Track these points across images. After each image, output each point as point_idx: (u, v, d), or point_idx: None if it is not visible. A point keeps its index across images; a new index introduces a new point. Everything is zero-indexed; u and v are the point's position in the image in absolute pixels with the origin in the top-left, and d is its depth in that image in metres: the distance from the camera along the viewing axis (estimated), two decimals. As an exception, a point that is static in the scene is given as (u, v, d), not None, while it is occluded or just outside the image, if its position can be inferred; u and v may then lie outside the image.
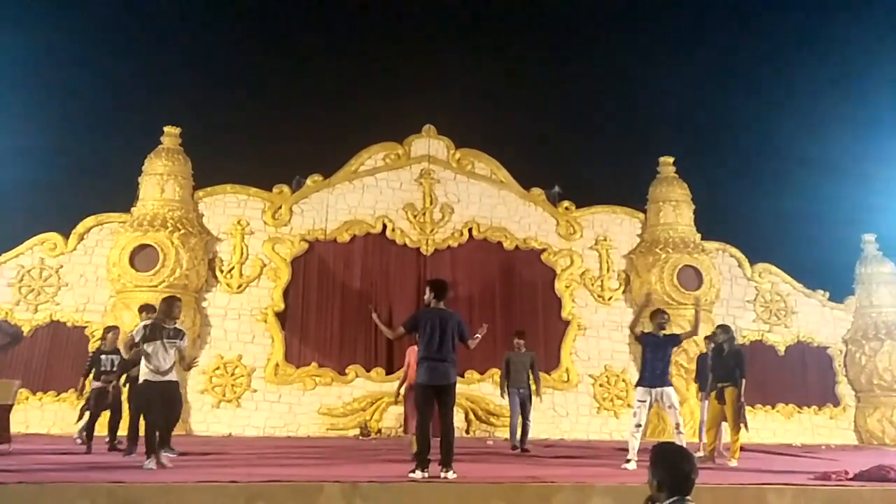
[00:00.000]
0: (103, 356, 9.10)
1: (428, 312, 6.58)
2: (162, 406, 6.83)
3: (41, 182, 17.33)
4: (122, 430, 8.89)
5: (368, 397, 13.94)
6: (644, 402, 7.63)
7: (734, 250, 16.35)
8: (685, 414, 11.80)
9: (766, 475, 6.84)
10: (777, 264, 16.40)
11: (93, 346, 13.56)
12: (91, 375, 9.15)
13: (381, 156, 15.70)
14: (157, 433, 6.73)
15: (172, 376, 6.90)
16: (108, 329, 9.60)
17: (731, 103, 21.82)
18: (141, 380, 6.85)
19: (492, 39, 23.73)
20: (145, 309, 9.01)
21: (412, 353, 8.51)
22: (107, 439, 9.02)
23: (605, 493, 5.38)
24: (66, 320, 13.73)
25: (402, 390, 8.90)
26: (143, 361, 6.79)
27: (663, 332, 7.94)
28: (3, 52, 17.34)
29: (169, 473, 6.17)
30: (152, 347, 6.75)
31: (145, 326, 6.89)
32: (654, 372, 7.70)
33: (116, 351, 8.95)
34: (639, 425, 7.57)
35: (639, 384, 7.86)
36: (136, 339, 6.76)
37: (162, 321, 6.92)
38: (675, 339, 8.05)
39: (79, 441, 9.36)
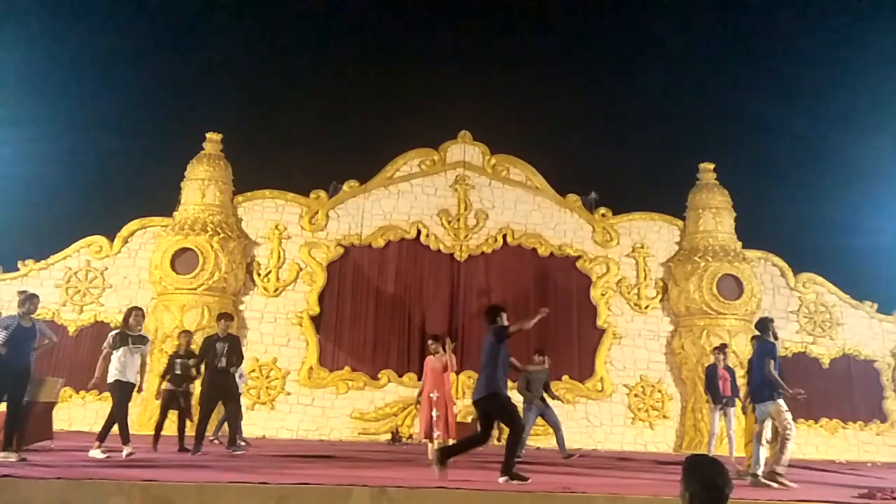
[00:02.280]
0: (177, 360, 9.40)
1: None
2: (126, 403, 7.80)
3: (88, 186, 17.94)
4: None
5: (401, 402, 13.97)
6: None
7: (777, 259, 15.92)
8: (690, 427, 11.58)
9: (807, 492, 6.61)
10: (822, 274, 15.91)
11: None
12: (167, 378, 9.43)
13: (416, 162, 15.78)
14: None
15: (134, 379, 7.81)
16: (181, 333, 9.91)
17: (775, 109, 21.27)
18: (112, 380, 7.72)
19: (528, 47, 23.67)
20: (223, 317, 9.40)
21: (429, 364, 8.77)
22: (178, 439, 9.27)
23: (637, 506, 5.26)
24: (109, 321, 14.10)
25: (420, 398, 9.11)
26: (112, 364, 7.73)
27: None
28: (51, 60, 18.01)
29: (202, 473, 6.27)
30: (120, 352, 7.69)
31: (113, 336, 7.82)
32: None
33: (190, 355, 9.47)
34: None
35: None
36: (106, 347, 7.78)
37: (126, 329, 7.82)
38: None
39: (216, 441, 10.18)
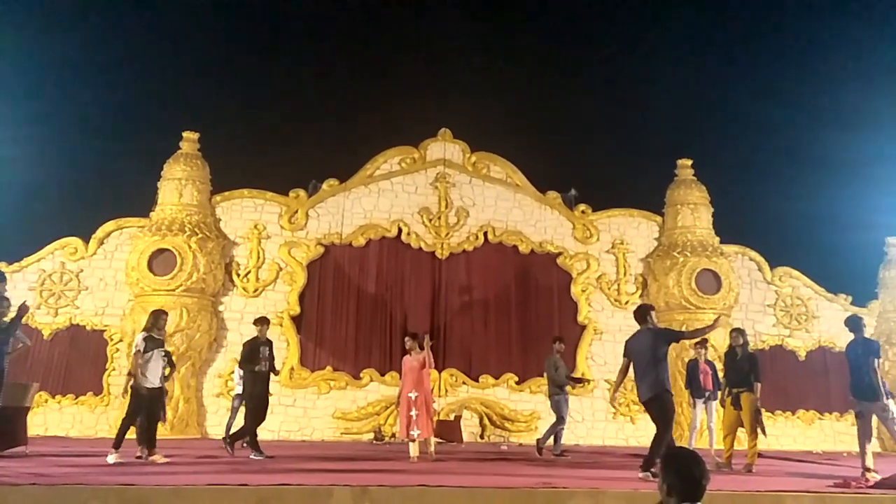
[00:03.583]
0: None
1: (631, 338, 7.34)
2: (150, 409, 7.83)
3: (63, 187, 17.64)
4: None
5: (383, 401, 13.92)
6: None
7: (754, 254, 16.11)
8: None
9: (784, 482, 6.70)
10: (798, 268, 16.13)
11: (112, 350, 13.79)
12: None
13: (396, 160, 15.73)
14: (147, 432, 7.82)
15: (161, 383, 7.87)
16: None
17: (751, 105, 21.56)
18: (140, 385, 7.71)
19: (508, 44, 23.70)
20: (262, 321, 9.37)
21: (407, 363, 8.83)
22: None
23: (618, 499, 5.30)
24: (85, 324, 13.91)
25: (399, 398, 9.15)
26: (142, 369, 7.67)
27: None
28: (24, 59, 17.68)
29: (180, 476, 6.20)
30: (152, 357, 7.67)
31: (145, 339, 7.74)
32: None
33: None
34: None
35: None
36: (141, 350, 7.68)
37: (152, 333, 7.84)
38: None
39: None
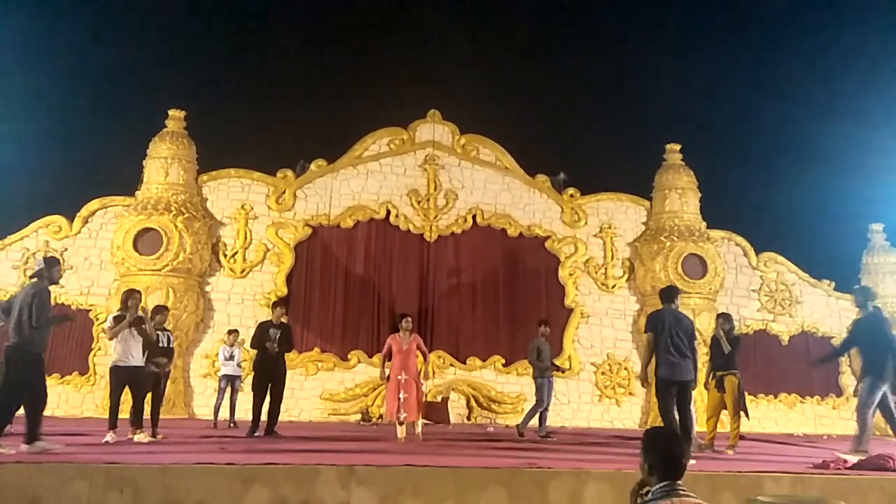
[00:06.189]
0: (158, 332, 8.88)
1: (670, 313, 7.11)
2: (130, 388, 7.76)
3: (46, 165, 17.39)
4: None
5: (370, 383, 13.97)
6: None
7: (740, 239, 16.24)
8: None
9: (764, 463, 6.81)
10: (783, 254, 16.30)
11: (97, 330, 13.70)
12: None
13: (385, 141, 15.64)
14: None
15: (139, 361, 7.77)
16: (157, 309, 8.94)
17: (739, 92, 21.66)
18: (111, 365, 7.77)
19: (498, 26, 23.54)
20: (277, 304, 9.89)
21: (396, 344, 8.95)
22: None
23: (602, 479, 5.35)
24: (70, 303, 13.81)
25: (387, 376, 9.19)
26: (113, 348, 7.73)
27: None
28: (5, 35, 17.32)
29: (167, 455, 6.20)
30: (121, 336, 7.62)
31: (114, 318, 7.77)
32: None
33: (165, 330, 8.93)
34: None
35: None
36: (107, 331, 7.82)
37: (125, 312, 7.77)
38: None
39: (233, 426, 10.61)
